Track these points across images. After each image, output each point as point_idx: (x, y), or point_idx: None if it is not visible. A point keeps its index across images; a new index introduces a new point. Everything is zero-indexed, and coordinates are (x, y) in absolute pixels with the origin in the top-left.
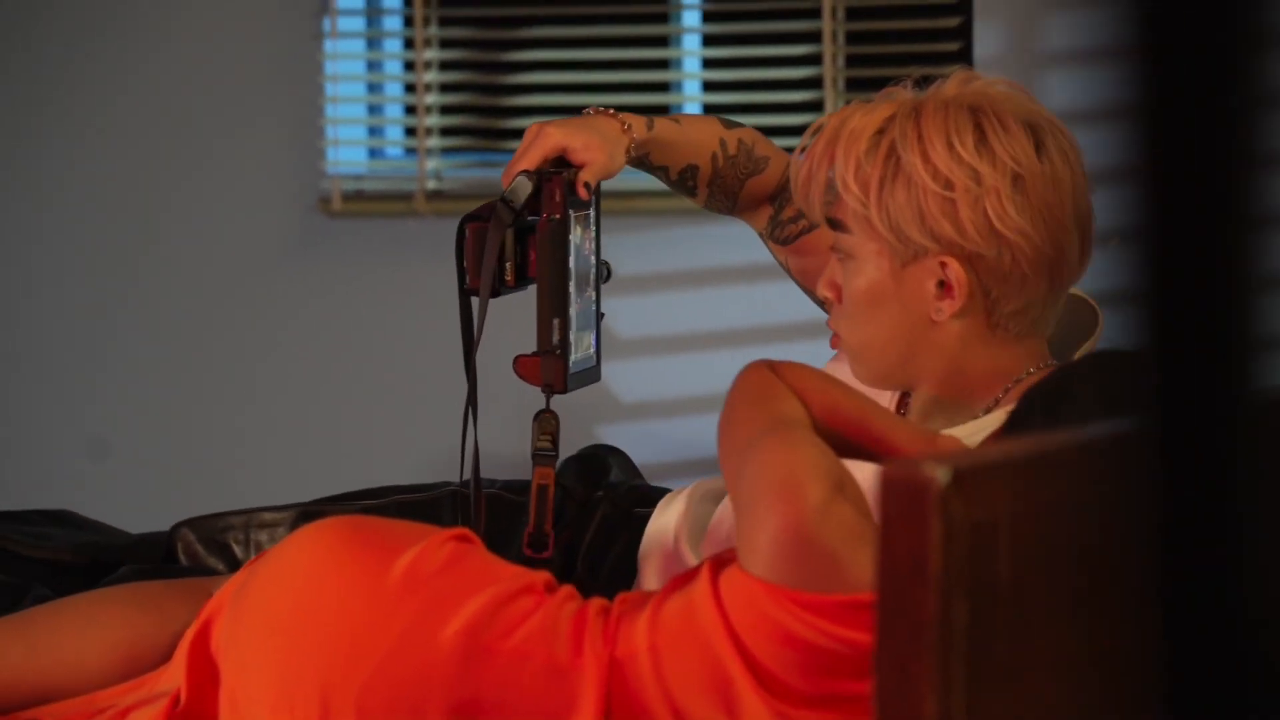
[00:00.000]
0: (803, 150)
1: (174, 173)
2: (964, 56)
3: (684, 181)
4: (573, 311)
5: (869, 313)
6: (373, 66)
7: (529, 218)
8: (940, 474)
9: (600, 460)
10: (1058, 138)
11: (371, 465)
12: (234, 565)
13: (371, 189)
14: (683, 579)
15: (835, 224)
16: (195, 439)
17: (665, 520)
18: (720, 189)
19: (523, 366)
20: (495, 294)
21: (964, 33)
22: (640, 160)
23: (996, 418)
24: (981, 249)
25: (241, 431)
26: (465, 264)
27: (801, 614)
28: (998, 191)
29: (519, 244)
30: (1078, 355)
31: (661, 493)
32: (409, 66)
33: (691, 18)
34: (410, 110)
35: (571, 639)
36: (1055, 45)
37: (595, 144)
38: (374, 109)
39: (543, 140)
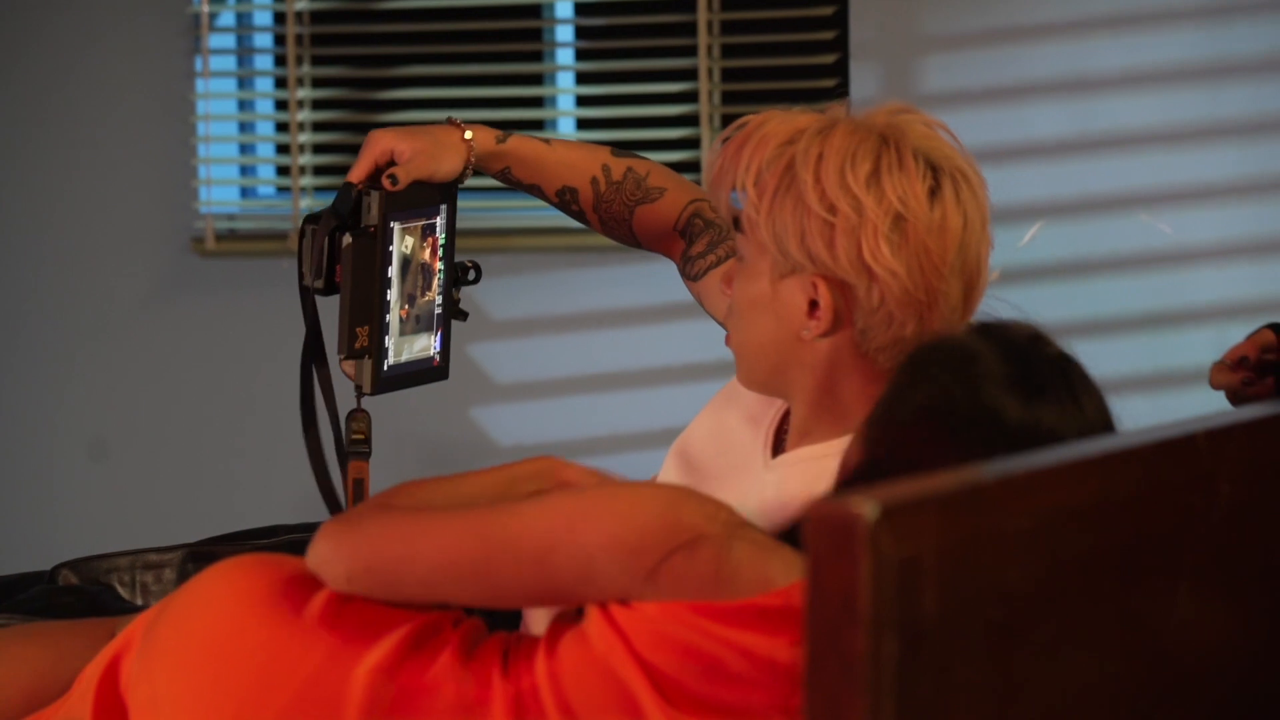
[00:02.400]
0: (724, 141)
1: (44, 214)
2: (840, 94)
3: (567, 205)
4: (389, 318)
5: (749, 316)
6: (245, 105)
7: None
8: (869, 510)
9: None
10: (960, 186)
11: (249, 503)
12: (120, 606)
13: (245, 228)
14: (568, 618)
15: (737, 224)
16: (63, 479)
17: None
18: (610, 216)
19: (344, 366)
20: (326, 293)
21: (840, 70)
22: (504, 175)
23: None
24: (851, 279)
25: (115, 470)
26: (299, 262)
27: (697, 622)
28: (875, 228)
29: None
30: None
31: None
32: (281, 105)
33: (565, 55)
34: (283, 149)
35: (479, 674)
36: (930, 86)
37: (422, 148)
38: (246, 148)
39: (371, 146)
